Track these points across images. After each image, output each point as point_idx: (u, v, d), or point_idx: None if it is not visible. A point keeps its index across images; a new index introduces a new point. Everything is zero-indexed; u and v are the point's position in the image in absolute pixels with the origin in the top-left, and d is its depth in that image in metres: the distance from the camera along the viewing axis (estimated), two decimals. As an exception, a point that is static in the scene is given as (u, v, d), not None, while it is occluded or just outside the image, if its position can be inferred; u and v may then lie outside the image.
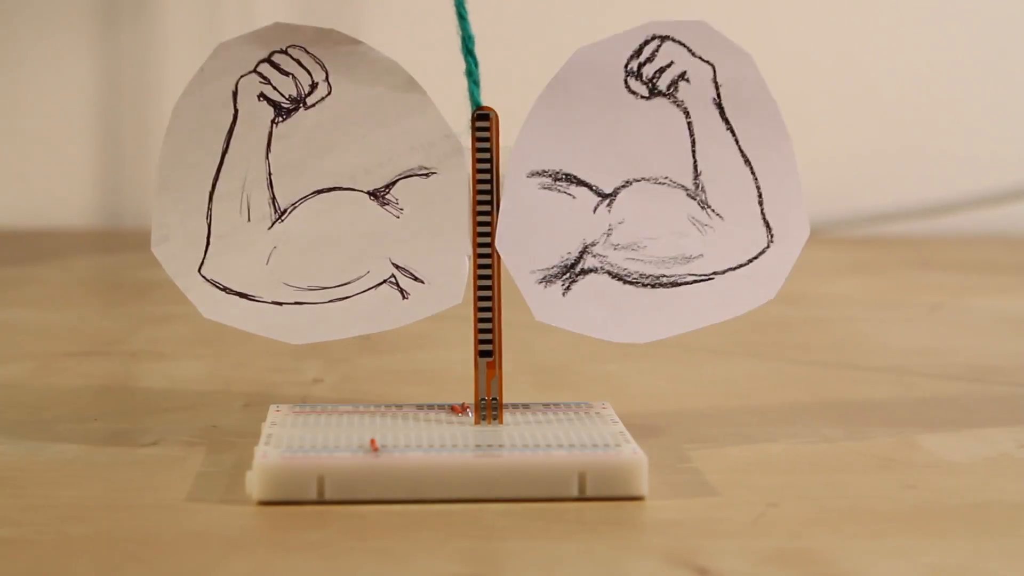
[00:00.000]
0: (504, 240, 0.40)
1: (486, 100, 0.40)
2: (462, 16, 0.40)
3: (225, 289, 0.40)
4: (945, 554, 0.33)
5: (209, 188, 0.40)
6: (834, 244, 1.06)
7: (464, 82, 0.40)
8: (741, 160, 0.40)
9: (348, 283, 0.40)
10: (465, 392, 0.47)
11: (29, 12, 1.11)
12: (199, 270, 0.40)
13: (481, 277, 0.40)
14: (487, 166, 0.40)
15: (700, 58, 0.40)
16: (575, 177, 0.40)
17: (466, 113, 0.40)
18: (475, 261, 0.40)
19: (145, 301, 0.74)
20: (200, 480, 0.38)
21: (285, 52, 0.40)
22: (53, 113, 1.12)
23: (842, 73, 1.13)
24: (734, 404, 0.48)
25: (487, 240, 0.40)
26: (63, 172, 1.12)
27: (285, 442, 0.38)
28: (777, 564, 0.32)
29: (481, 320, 0.40)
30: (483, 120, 0.40)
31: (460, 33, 0.40)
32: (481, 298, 0.40)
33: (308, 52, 0.40)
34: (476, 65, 0.40)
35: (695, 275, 0.40)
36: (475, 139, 0.40)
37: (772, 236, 0.40)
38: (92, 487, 0.38)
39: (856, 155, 1.13)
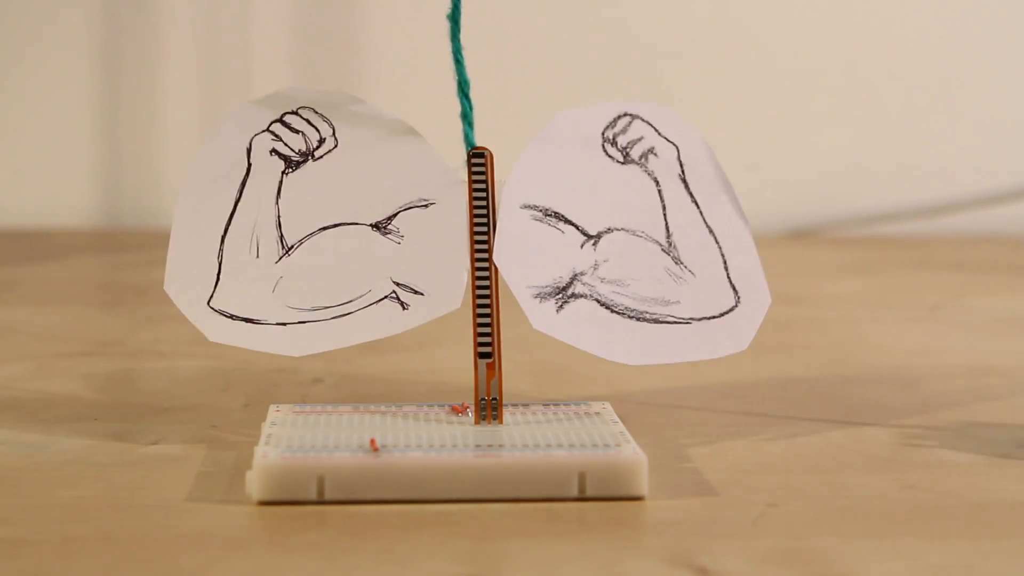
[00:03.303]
0: (502, 254, 0.40)
1: (480, 141, 0.42)
2: (458, 61, 0.42)
3: (232, 316, 0.41)
4: (945, 554, 0.33)
5: (222, 232, 0.42)
6: (834, 244, 1.06)
7: (459, 124, 0.42)
8: (706, 230, 0.43)
9: (350, 301, 0.41)
10: (465, 392, 0.47)
11: (29, 12, 1.11)
12: (208, 303, 0.41)
13: (479, 285, 0.40)
14: (483, 201, 0.41)
15: (665, 138, 0.43)
16: (563, 216, 0.42)
17: (461, 155, 0.42)
18: (472, 273, 0.41)
19: (145, 301, 0.74)
20: (200, 480, 0.38)
21: (295, 113, 0.42)
22: (53, 113, 1.12)
23: (843, 73, 1.13)
24: (734, 404, 0.48)
25: (484, 256, 0.41)
26: (63, 172, 1.12)
27: (285, 442, 0.38)
28: (777, 564, 0.32)
29: (480, 324, 0.40)
30: (478, 158, 0.42)
31: (456, 77, 0.42)
32: (480, 303, 0.40)
33: (316, 112, 0.42)
34: (471, 107, 0.42)
35: (674, 317, 0.41)
36: (471, 177, 0.42)
37: (738, 298, 0.42)
38: (92, 487, 0.38)
39: (857, 155, 1.13)
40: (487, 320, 0.40)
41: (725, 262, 0.42)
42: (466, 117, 0.42)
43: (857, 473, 0.39)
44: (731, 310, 0.42)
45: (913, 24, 1.14)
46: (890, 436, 0.43)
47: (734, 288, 0.42)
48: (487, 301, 0.40)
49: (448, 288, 0.41)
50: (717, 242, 0.43)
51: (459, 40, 0.42)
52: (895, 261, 0.95)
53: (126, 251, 0.98)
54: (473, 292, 0.41)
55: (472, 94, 0.42)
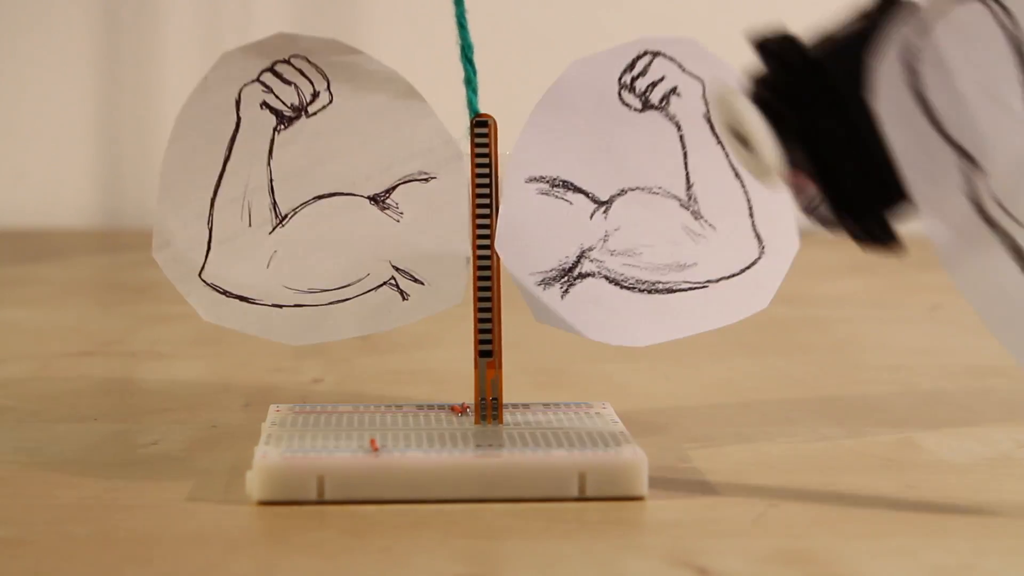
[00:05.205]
0: (503, 242, 0.40)
1: (484, 108, 0.40)
2: (462, 25, 0.41)
3: (225, 293, 0.40)
4: (945, 554, 0.33)
5: (211, 195, 0.40)
6: (834, 244, 1.05)
7: (463, 90, 0.41)
8: (731, 174, 0.41)
9: (348, 285, 0.40)
10: (465, 392, 0.47)
11: (29, 12, 1.11)
12: (199, 275, 0.40)
13: (481, 278, 0.40)
14: (486, 171, 0.40)
15: (690, 74, 0.41)
16: (572, 184, 0.40)
17: (465, 120, 0.40)
18: (475, 263, 0.40)
19: (145, 301, 0.74)
20: (200, 480, 0.38)
21: (287, 62, 0.40)
22: (53, 113, 1.12)
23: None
24: (734, 404, 0.48)
25: (486, 242, 0.40)
26: (63, 172, 1.12)
27: (285, 442, 0.38)
28: (777, 564, 0.32)
29: (481, 320, 0.40)
30: (482, 127, 0.40)
31: (459, 42, 0.40)
32: (481, 298, 0.40)
33: (310, 62, 0.40)
34: (475, 73, 0.41)
35: (690, 282, 0.40)
36: (474, 145, 0.40)
37: (763, 248, 0.41)
38: (92, 487, 0.38)
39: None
40: (488, 316, 0.40)
41: (751, 207, 0.41)
42: (470, 83, 0.40)
43: (857, 473, 0.39)
44: (754, 263, 0.41)
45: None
46: (890, 436, 0.43)
47: (759, 237, 0.41)
48: (488, 295, 0.40)
49: (449, 279, 0.40)
50: (743, 186, 0.41)
51: (463, 4, 0.41)
52: (895, 261, 0.95)
53: (126, 251, 0.98)
54: (474, 287, 0.40)
55: (476, 60, 0.41)
